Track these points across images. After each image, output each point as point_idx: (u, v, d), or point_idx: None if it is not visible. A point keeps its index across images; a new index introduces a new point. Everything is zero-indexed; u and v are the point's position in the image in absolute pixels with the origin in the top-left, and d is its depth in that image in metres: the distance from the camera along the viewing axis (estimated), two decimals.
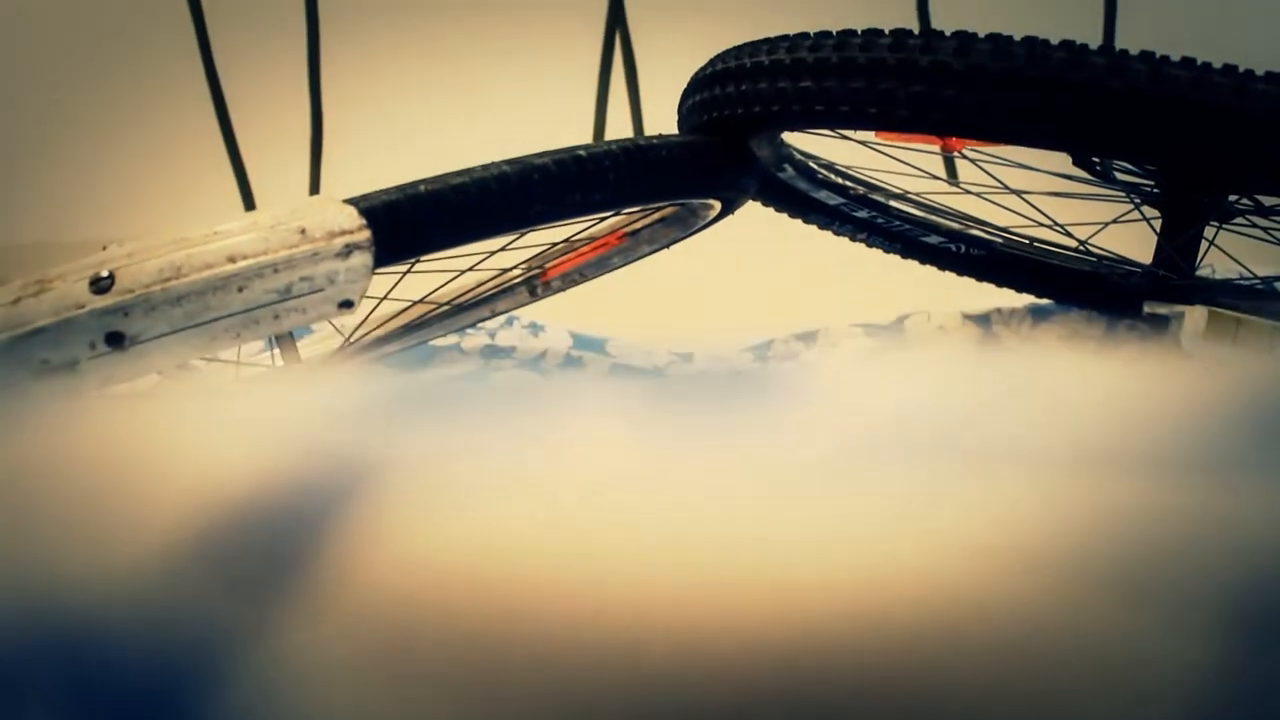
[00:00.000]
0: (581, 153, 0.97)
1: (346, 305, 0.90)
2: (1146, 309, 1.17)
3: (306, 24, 1.81)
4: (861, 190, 1.27)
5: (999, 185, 1.18)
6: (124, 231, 1.76)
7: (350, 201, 0.90)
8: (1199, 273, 1.23)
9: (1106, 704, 0.36)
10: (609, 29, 1.77)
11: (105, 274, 0.88)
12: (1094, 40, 1.17)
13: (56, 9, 1.82)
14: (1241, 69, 0.91)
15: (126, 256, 0.89)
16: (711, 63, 1.08)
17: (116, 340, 0.87)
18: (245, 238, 0.88)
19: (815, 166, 1.23)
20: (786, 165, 1.18)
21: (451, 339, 1.33)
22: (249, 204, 1.83)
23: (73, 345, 0.88)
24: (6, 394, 0.71)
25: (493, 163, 0.95)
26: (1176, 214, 1.16)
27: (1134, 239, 1.22)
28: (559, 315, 1.38)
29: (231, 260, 0.87)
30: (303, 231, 0.88)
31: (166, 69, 1.82)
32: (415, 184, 0.92)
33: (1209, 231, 1.19)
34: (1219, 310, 1.13)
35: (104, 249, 0.92)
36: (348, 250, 0.88)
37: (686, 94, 1.12)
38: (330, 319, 0.94)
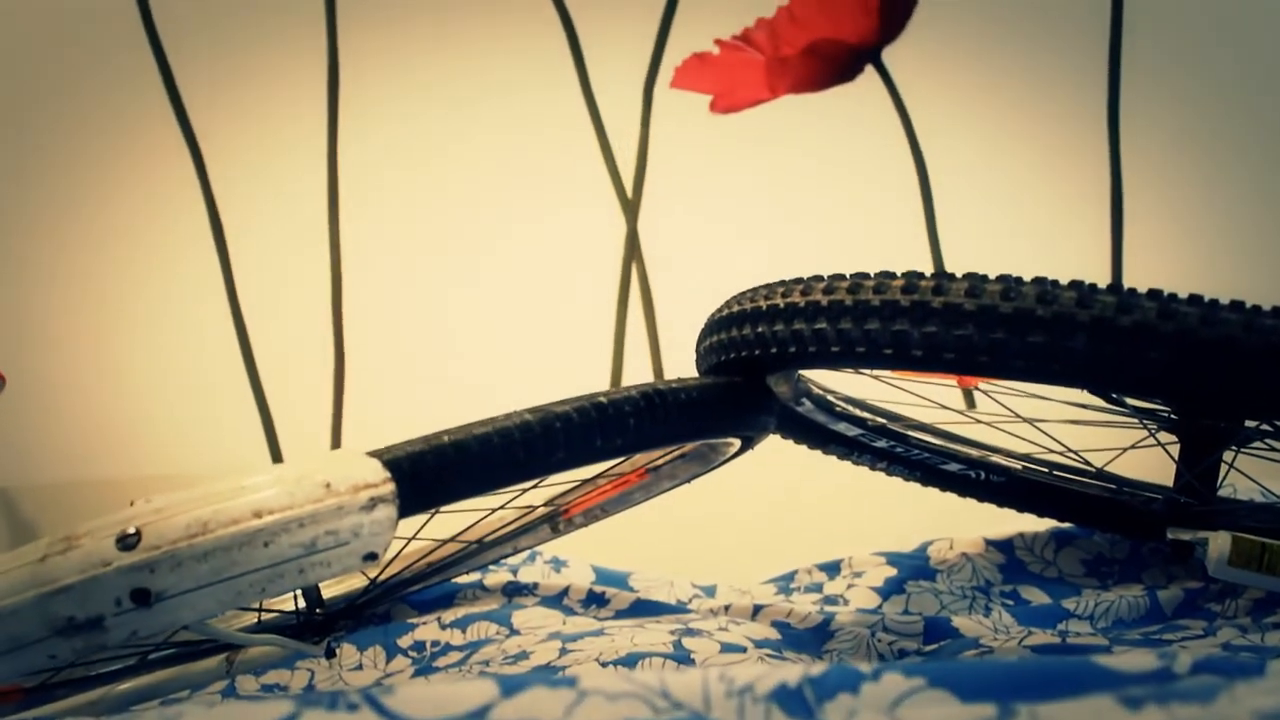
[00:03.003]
0: (602, 399, 0.97)
1: (371, 558, 0.89)
2: (1170, 535, 1.16)
3: (330, 268, 1.86)
4: (880, 421, 1.28)
5: (1015, 415, 1.19)
6: (150, 470, 1.78)
7: (374, 454, 0.90)
8: (1221, 493, 1.22)
9: None
10: (624, 268, 1.80)
11: (132, 530, 0.87)
12: (1102, 277, 1.19)
13: (85, 253, 1.87)
14: (1249, 304, 0.91)
15: (154, 512, 0.89)
16: (728, 304, 1.09)
17: (142, 597, 0.87)
18: (271, 492, 0.88)
19: (833, 399, 1.24)
20: (804, 399, 1.18)
21: (474, 576, 1.33)
22: (274, 446, 1.85)
23: (99, 602, 0.87)
24: None
25: (515, 411, 0.95)
26: (1194, 439, 1.15)
27: (1155, 460, 1.21)
28: (581, 550, 1.37)
29: (257, 515, 0.87)
30: (328, 486, 0.88)
31: (195, 317, 1.86)
32: (439, 435, 0.92)
33: (1229, 453, 1.18)
34: (1243, 535, 1.12)
35: (131, 504, 0.92)
36: (372, 504, 0.88)
37: (704, 335, 1.13)
38: (355, 570, 0.93)
